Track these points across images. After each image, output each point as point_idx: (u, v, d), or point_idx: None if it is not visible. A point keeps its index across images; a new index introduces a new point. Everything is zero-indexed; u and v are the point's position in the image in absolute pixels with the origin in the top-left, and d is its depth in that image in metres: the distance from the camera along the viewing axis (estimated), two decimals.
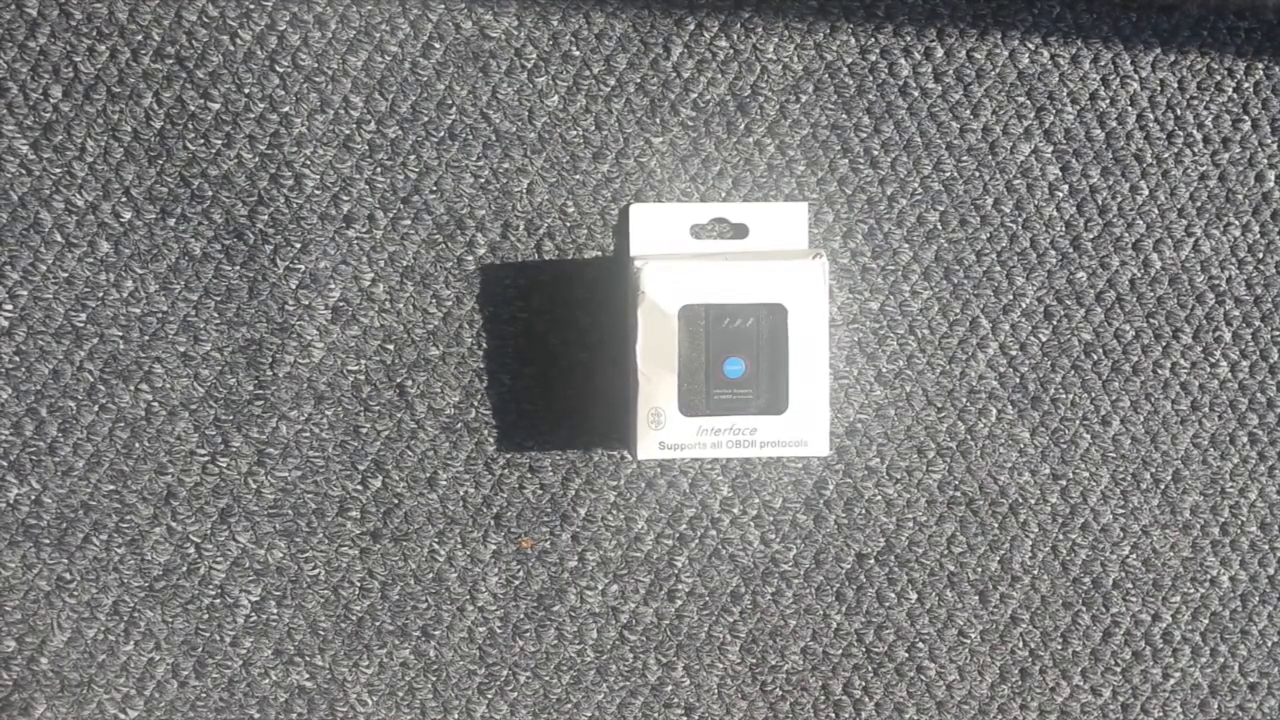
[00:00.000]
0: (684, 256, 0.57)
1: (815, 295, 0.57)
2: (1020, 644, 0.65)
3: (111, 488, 0.60)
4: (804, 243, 0.61)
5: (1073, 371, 0.64)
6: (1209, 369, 0.65)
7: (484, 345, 0.61)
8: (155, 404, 0.60)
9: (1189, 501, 0.65)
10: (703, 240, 0.61)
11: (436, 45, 0.59)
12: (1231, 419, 0.65)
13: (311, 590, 0.61)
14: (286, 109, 0.59)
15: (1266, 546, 0.66)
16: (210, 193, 0.59)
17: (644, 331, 0.56)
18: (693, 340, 0.56)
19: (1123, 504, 0.65)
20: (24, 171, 0.58)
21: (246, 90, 0.59)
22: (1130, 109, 0.63)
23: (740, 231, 0.61)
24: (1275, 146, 0.64)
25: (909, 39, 0.62)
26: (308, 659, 0.61)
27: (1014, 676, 0.65)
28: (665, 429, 0.56)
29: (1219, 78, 0.63)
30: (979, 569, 0.64)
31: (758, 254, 0.58)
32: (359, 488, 0.61)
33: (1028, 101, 0.62)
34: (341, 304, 0.60)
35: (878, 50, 0.62)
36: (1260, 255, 0.64)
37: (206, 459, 0.60)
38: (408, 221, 0.60)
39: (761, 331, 0.57)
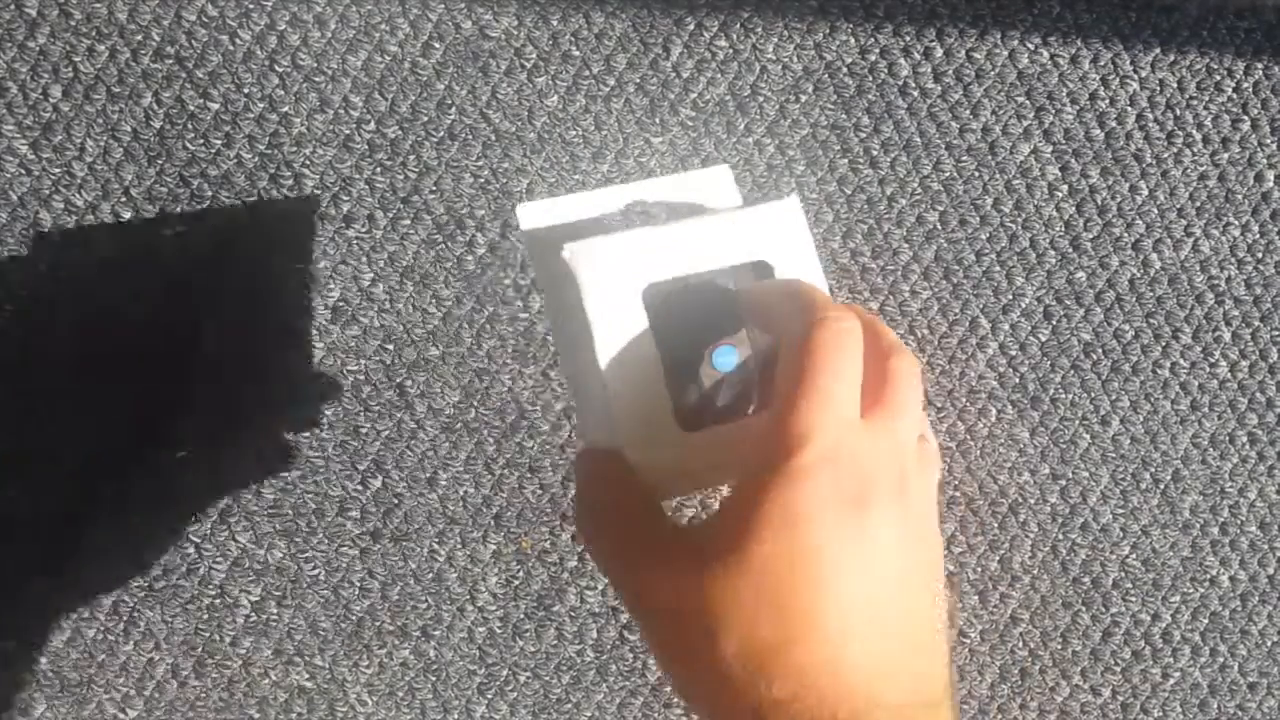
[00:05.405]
0: (621, 228, 0.41)
1: (799, 239, 0.40)
2: (1020, 644, 0.65)
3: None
4: (738, 203, 0.45)
5: (1073, 371, 0.64)
6: (1209, 369, 0.65)
7: (484, 345, 0.61)
8: None
9: (1189, 501, 0.65)
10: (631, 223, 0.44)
11: (436, 45, 0.59)
12: (1231, 419, 0.65)
13: (311, 590, 0.61)
14: (286, 109, 0.59)
15: (1266, 546, 0.66)
16: (210, 193, 0.59)
17: (600, 334, 0.38)
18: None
19: (1123, 504, 0.65)
20: (24, 171, 0.58)
21: (246, 90, 0.59)
22: (1130, 109, 0.63)
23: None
24: (1275, 146, 0.64)
25: (909, 39, 0.62)
26: (308, 659, 0.61)
27: (1014, 676, 0.65)
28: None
29: (1219, 78, 0.63)
30: (979, 569, 0.64)
31: (712, 210, 0.42)
32: (359, 488, 0.61)
33: (1028, 101, 0.62)
34: (341, 304, 0.60)
35: (878, 50, 0.62)
36: (1260, 255, 0.64)
37: None
38: (408, 221, 0.60)
39: None
